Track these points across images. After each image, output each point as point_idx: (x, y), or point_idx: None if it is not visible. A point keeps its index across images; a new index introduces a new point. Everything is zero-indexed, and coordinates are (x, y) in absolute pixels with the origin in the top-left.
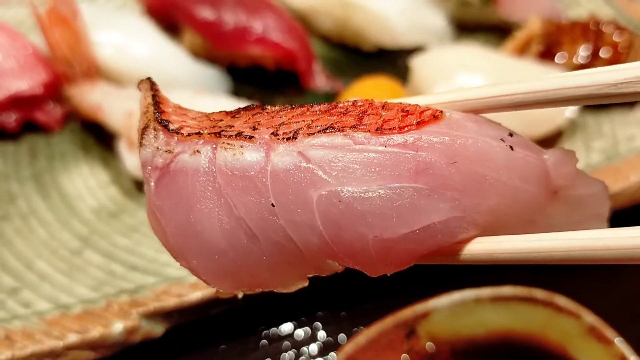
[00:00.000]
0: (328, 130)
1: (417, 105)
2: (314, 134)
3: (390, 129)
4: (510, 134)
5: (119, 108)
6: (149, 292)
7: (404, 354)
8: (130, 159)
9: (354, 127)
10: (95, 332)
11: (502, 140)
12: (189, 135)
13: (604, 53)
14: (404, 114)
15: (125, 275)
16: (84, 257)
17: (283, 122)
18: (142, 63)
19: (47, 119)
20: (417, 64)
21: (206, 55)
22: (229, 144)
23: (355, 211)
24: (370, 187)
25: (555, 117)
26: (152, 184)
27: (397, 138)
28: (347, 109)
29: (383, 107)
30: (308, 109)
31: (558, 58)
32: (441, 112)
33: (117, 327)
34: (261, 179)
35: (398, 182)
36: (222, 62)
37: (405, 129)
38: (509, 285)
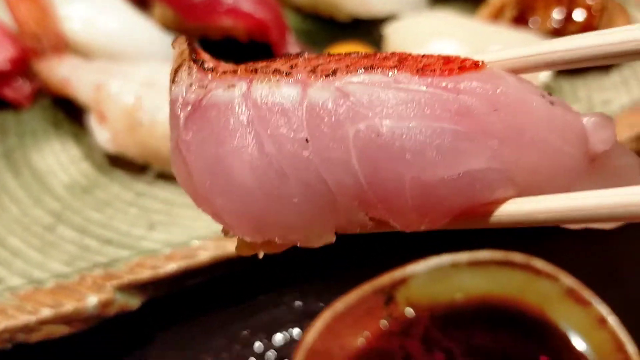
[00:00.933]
0: (367, 70)
1: (457, 55)
2: (353, 71)
3: (431, 71)
4: (549, 93)
5: (87, 81)
6: (123, 266)
7: (382, 320)
8: (101, 134)
9: (394, 67)
10: (69, 306)
11: (543, 96)
12: (224, 72)
13: (577, 16)
14: (444, 60)
15: (99, 250)
16: (57, 232)
17: (321, 63)
18: (111, 36)
19: (16, 95)
20: (391, 32)
21: (177, 27)
22: (265, 78)
23: (394, 147)
24: (410, 123)
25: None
26: (182, 119)
27: (438, 80)
28: (387, 56)
29: (423, 56)
30: (347, 56)
31: (532, 23)
32: (482, 62)
33: (92, 300)
34: (296, 112)
35: (438, 122)
36: (193, 34)
37: (447, 72)
38: (486, 250)
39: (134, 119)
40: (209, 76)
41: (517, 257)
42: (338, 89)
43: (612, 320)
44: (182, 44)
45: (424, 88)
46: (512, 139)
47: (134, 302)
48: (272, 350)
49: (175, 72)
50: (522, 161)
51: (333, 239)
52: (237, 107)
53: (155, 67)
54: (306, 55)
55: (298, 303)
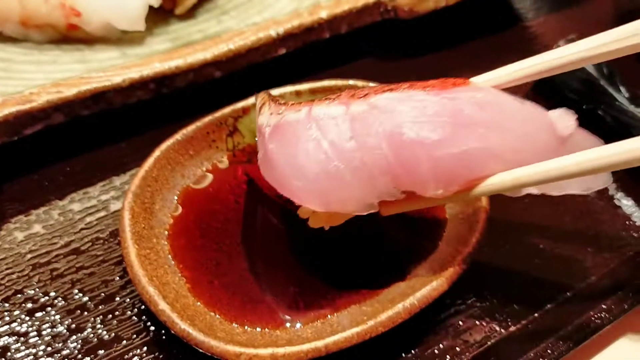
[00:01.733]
0: (389, 91)
1: (449, 78)
2: (380, 93)
3: (433, 87)
4: (521, 99)
5: None
6: None
7: (228, 152)
8: None
9: (408, 88)
10: None
11: (515, 99)
12: (293, 104)
13: None
14: (442, 81)
15: None
16: None
17: (357, 92)
18: None
19: None
20: None
21: None
22: (321, 103)
23: (412, 136)
24: (421, 119)
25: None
26: (267, 134)
27: (439, 92)
28: (402, 83)
29: (428, 81)
30: (375, 86)
31: None
32: (469, 79)
33: None
34: (343, 120)
35: (440, 118)
36: None
37: (444, 88)
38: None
39: None
40: (283, 107)
41: (358, 82)
42: (370, 103)
43: None
44: (263, 94)
45: (430, 98)
46: (495, 127)
47: None
48: (119, 188)
49: (260, 108)
50: (505, 142)
51: (377, 207)
52: (303, 122)
53: None
54: (346, 90)
55: (141, 144)
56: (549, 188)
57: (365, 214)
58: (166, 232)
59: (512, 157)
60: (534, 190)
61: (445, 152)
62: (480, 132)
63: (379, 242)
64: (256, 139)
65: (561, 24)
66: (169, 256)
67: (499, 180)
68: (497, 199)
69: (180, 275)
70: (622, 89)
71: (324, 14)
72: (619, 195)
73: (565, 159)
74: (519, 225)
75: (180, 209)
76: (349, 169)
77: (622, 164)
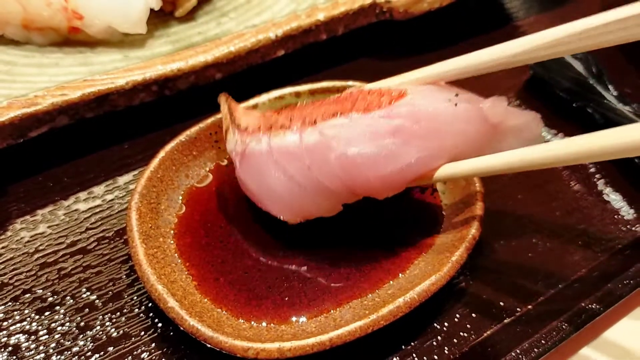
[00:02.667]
0: (334, 116)
1: (389, 88)
2: (326, 119)
3: (372, 109)
4: (457, 95)
5: None
6: None
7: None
8: None
9: (350, 110)
10: None
11: (450, 100)
12: (253, 130)
13: None
14: (381, 96)
15: None
16: None
17: (308, 114)
18: None
19: None
20: None
21: None
22: (277, 133)
23: (358, 162)
24: (364, 147)
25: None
26: (237, 162)
27: (378, 113)
28: (347, 98)
29: (368, 93)
30: (323, 102)
31: None
32: (405, 91)
33: None
34: (299, 150)
35: (381, 140)
36: None
37: (382, 105)
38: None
39: None
40: (245, 134)
41: (356, 83)
42: (320, 132)
43: None
44: (224, 102)
45: (369, 121)
46: (432, 136)
47: None
48: (123, 187)
49: (226, 132)
50: (444, 144)
51: (341, 209)
52: (266, 154)
53: None
54: (299, 105)
55: (144, 145)
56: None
57: (333, 215)
58: (172, 231)
59: (453, 151)
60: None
61: (390, 171)
62: (417, 145)
63: (377, 236)
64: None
65: (552, 23)
66: (176, 255)
67: (442, 172)
68: (490, 195)
69: (187, 273)
70: (611, 87)
71: (321, 16)
72: (608, 190)
73: (497, 156)
74: (512, 221)
75: (185, 209)
76: (312, 189)
77: (540, 164)
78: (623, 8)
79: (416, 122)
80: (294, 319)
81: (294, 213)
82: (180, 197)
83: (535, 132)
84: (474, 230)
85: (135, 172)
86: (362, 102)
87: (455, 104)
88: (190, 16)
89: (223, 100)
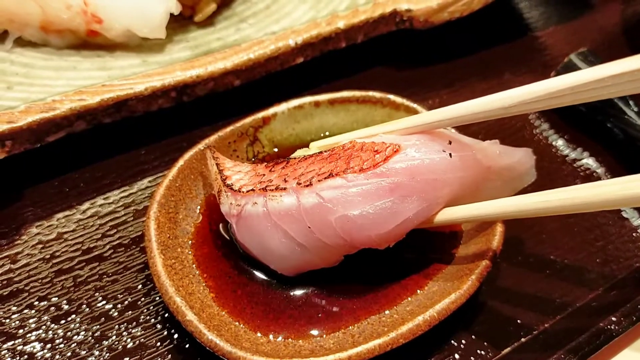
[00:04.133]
0: (330, 176)
1: (383, 143)
2: (321, 180)
3: (368, 167)
4: (450, 142)
5: None
6: None
7: (249, 161)
8: None
9: (345, 170)
10: None
11: (444, 150)
12: (247, 192)
13: None
14: (375, 152)
15: None
16: None
17: (302, 173)
18: None
19: None
20: None
21: None
22: (273, 195)
23: (358, 223)
24: (364, 207)
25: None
26: (234, 225)
27: (374, 172)
28: (339, 154)
29: (362, 149)
30: (315, 158)
31: None
32: (399, 146)
33: None
34: (298, 212)
35: (380, 200)
36: None
37: (378, 164)
38: (346, 91)
39: None
40: (239, 196)
41: (376, 94)
42: (317, 194)
43: None
44: (211, 159)
45: (366, 181)
46: (429, 188)
47: None
48: (139, 194)
49: (219, 194)
50: (439, 194)
51: (342, 259)
52: (263, 217)
53: None
54: (291, 160)
55: (160, 151)
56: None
57: (334, 265)
58: (190, 242)
59: (450, 197)
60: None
61: (389, 227)
62: (417, 198)
63: (397, 254)
64: (276, 150)
65: (569, 34)
66: (193, 265)
67: (443, 216)
68: None
69: (204, 284)
70: (631, 102)
71: (341, 24)
72: (626, 207)
73: (486, 204)
74: (530, 237)
75: (202, 218)
76: (313, 248)
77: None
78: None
79: (413, 178)
80: (311, 333)
81: (297, 268)
82: (198, 207)
83: (527, 165)
84: (493, 248)
85: (151, 178)
86: (356, 159)
87: (450, 154)
88: (209, 21)
89: (209, 156)
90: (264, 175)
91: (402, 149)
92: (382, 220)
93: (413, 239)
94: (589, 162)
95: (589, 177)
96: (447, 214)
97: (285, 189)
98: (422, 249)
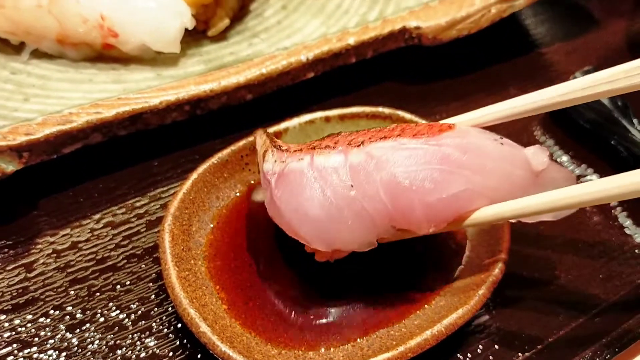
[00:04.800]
0: (382, 139)
1: (437, 122)
2: (374, 141)
3: (422, 134)
4: (501, 137)
5: None
6: None
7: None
8: None
9: (398, 135)
10: None
11: (496, 140)
12: (294, 150)
13: None
14: (429, 126)
15: None
16: None
17: (353, 138)
18: None
19: None
20: None
21: None
22: (321, 152)
23: (405, 184)
24: (412, 168)
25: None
26: (273, 182)
27: (426, 139)
28: (393, 128)
29: (416, 124)
30: (368, 131)
31: None
32: (454, 124)
33: None
34: (343, 169)
35: (430, 165)
36: None
37: (431, 134)
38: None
39: None
40: (285, 154)
41: (385, 110)
42: (366, 153)
43: None
44: (262, 134)
45: (418, 145)
46: (479, 170)
47: (8, 166)
48: (152, 205)
49: (264, 154)
50: (488, 183)
51: (375, 245)
52: (306, 171)
53: None
54: (342, 133)
55: (173, 162)
56: (525, 217)
57: (366, 251)
58: (203, 254)
59: (493, 194)
60: (511, 219)
61: (437, 198)
62: (465, 176)
63: (404, 266)
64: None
65: (575, 51)
66: (206, 277)
67: (482, 214)
68: (513, 227)
69: (217, 296)
70: (635, 121)
71: (351, 40)
72: (628, 223)
73: (539, 196)
74: (535, 252)
75: (215, 231)
76: (351, 213)
77: (590, 201)
78: None
79: (464, 153)
80: (321, 346)
81: (326, 241)
82: (211, 219)
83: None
84: (500, 264)
85: (164, 189)
86: (410, 130)
87: (501, 144)
88: (222, 36)
89: (260, 134)
90: (314, 142)
91: (456, 128)
92: (429, 187)
93: (421, 252)
94: (593, 179)
95: None
96: (484, 213)
97: (334, 147)
98: (431, 263)
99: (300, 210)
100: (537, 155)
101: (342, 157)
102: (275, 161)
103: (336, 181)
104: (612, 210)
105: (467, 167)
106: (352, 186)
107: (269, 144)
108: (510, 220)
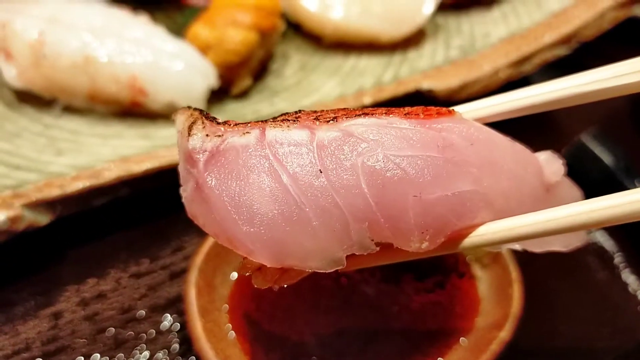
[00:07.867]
0: (363, 116)
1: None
2: (351, 117)
3: (415, 115)
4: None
5: None
6: (32, 186)
7: None
8: (8, 70)
9: (384, 113)
10: None
11: (504, 136)
12: (236, 124)
13: None
14: (424, 109)
15: (8, 174)
16: None
17: (320, 114)
18: None
19: None
20: None
21: None
22: (276, 125)
23: (397, 172)
24: (407, 152)
25: (416, 17)
26: (201, 164)
27: (422, 121)
28: (376, 108)
29: (406, 107)
30: (341, 109)
31: None
32: (453, 109)
33: (0, 216)
34: (308, 149)
35: (428, 152)
36: None
37: (428, 116)
38: None
39: (39, 53)
40: (222, 128)
41: None
42: (342, 129)
43: None
44: (186, 110)
45: (412, 126)
46: (488, 167)
47: (42, 219)
48: (175, 256)
49: (190, 128)
50: (498, 187)
51: (344, 263)
52: (254, 148)
53: (58, 4)
54: (304, 111)
55: None
56: (532, 244)
57: (328, 271)
58: (226, 306)
59: (502, 203)
60: (516, 246)
61: (437, 195)
62: (473, 173)
63: (416, 320)
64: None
65: (580, 110)
66: (229, 329)
67: (486, 231)
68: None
69: (239, 347)
70: (637, 182)
71: (367, 100)
72: (631, 279)
73: (554, 210)
74: (543, 307)
75: (237, 283)
76: (316, 211)
77: (613, 219)
78: None
79: (470, 143)
80: None
81: (276, 250)
82: (234, 272)
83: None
84: (511, 319)
85: (188, 240)
86: (398, 110)
87: (513, 141)
88: (244, 94)
89: (184, 109)
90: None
91: (457, 114)
92: (429, 177)
93: (434, 308)
94: (597, 237)
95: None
96: (489, 229)
97: (296, 121)
98: (443, 318)
99: (242, 202)
100: (551, 163)
101: (307, 133)
102: (207, 135)
103: (297, 163)
104: (618, 269)
105: (474, 161)
106: (320, 172)
107: (197, 116)
108: (516, 248)
